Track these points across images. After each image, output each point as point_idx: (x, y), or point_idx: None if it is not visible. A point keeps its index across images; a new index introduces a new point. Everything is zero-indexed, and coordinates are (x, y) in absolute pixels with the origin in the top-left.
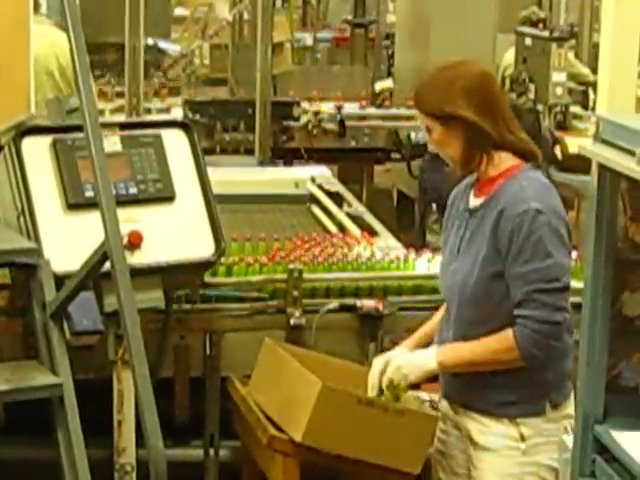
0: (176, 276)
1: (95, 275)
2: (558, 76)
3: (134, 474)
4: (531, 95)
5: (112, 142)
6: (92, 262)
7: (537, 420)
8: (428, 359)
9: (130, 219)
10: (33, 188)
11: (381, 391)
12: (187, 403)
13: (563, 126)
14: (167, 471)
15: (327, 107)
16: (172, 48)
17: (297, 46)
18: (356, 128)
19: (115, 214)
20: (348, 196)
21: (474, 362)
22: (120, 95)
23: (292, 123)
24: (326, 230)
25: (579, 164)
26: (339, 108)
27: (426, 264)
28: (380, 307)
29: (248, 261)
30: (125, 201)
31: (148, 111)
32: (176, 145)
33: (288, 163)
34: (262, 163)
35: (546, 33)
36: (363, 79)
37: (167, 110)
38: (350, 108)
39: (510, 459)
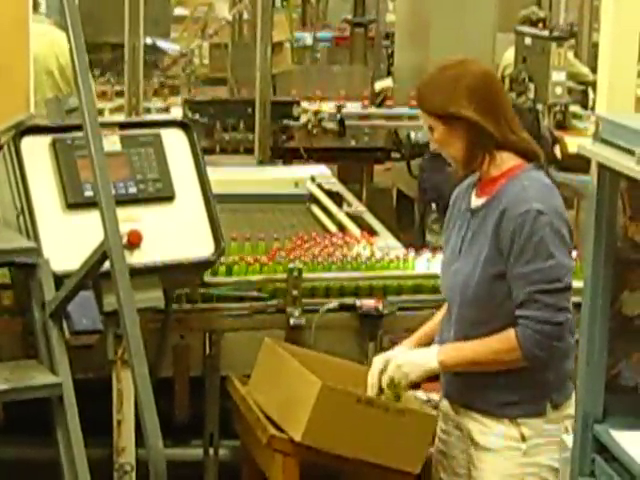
0: (175, 276)
1: (94, 275)
2: (558, 75)
3: (133, 474)
4: (531, 94)
5: (111, 142)
6: (91, 261)
7: (538, 420)
8: (429, 358)
9: (129, 219)
10: (32, 188)
11: (381, 390)
12: (187, 403)
13: (563, 125)
14: (167, 471)
15: (327, 106)
16: (172, 47)
17: (297, 46)
18: (356, 127)
19: (114, 214)
20: (348, 196)
21: (475, 362)
22: (120, 94)
23: (292, 123)
24: (326, 230)
25: (579, 163)
26: (339, 107)
27: (426, 264)
28: (380, 307)
29: (248, 261)
30: (124, 201)
31: (148, 111)
32: (176, 145)
33: (288, 163)
34: (262, 163)
35: (546, 32)
36: (363, 78)
37: (166, 110)
38: (351, 108)
39: (511, 460)
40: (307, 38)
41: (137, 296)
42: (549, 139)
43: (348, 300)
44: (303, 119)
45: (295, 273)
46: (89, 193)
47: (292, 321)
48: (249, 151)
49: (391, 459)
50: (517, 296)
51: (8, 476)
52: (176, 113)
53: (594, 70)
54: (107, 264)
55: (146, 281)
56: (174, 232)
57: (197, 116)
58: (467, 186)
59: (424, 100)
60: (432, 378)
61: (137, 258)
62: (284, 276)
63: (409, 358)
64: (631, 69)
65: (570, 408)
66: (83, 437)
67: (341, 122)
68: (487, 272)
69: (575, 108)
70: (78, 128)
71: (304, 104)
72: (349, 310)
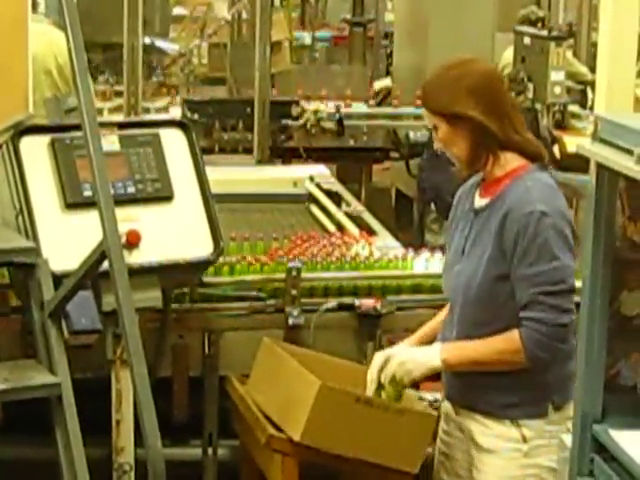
0: (174, 275)
1: (93, 274)
2: (556, 75)
3: (132, 473)
4: (529, 94)
5: (110, 141)
6: (90, 261)
7: (539, 422)
8: (432, 356)
9: (128, 218)
10: (31, 187)
11: (380, 386)
12: (186, 402)
13: (561, 125)
14: (166, 470)
15: (326, 106)
16: (171, 47)
17: (296, 45)
18: (355, 127)
19: (113, 213)
20: (347, 195)
21: (478, 361)
22: (118, 94)
23: (291, 122)
24: (325, 229)
25: (577, 163)
26: (338, 107)
27: (424, 263)
28: (378, 306)
29: (250, 260)
30: (123, 200)
31: (146, 110)
32: (174, 144)
33: (286, 162)
34: (260, 162)
35: (545, 32)
36: (362, 78)
37: (165, 109)
38: (349, 107)
39: (512, 461)
40: (306, 38)
41: (136, 296)
42: (548, 139)
43: (347, 300)
44: (302, 119)
45: (294, 273)
46: (88, 193)
47: (291, 321)
48: (248, 151)
49: (390, 459)
50: (521, 298)
51: (7, 476)
52: (175, 113)
53: (593, 70)
54: (106, 264)
55: (145, 281)
56: (173, 232)
57: (196, 116)
58: (470, 186)
59: (428, 99)
60: (432, 377)
61: (136, 258)
62: (283, 276)
63: (412, 355)
64: (630, 69)
65: (571, 409)
66: (82, 437)
67: (340, 122)
68: (490, 273)
69: (574, 108)
70: (77, 128)
71: (303, 104)
72: (348, 310)
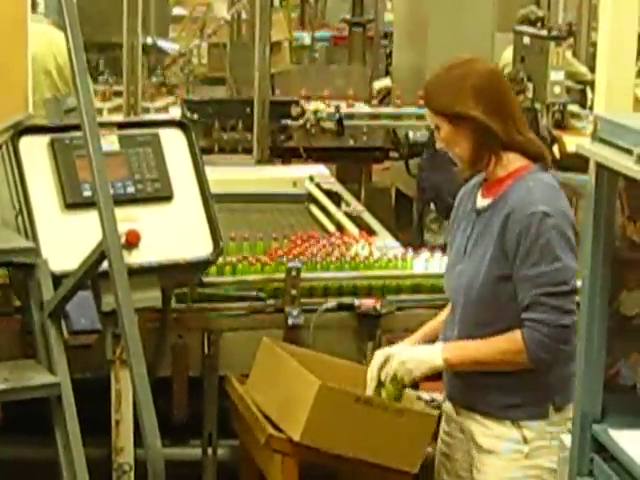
0: (174, 275)
1: (93, 274)
2: (556, 75)
3: (132, 473)
4: (529, 94)
5: (110, 141)
6: (90, 261)
7: (540, 423)
8: (434, 355)
9: (128, 218)
10: (31, 187)
11: (380, 384)
12: (185, 402)
13: (561, 125)
14: (165, 470)
15: (325, 106)
16: (170, 47)
17: (295, 45)
18: (354, 127)
19: (113, 213)
20: (346, 195)
21: (480, 361)
22: (118, 94)
23: (290, 122)
24: (324, 229)
25: (577, 163)
26: (337, 107)
27: (424, 263)
28: (378, 306)
29: (251, 260)
30: (123, 200)
31: (146, 110)
32: (174, 144)
33: (286, 162)
34: (260, 162)
35: (544, 32)
36: (361, 78)
37: (165, 109)
38: (349, 107)
39: (513, 462)
40: (305, 38)
41: (135, 296)
42: (547, 139)
43: (346, 300)
44: (301, 119)
45: (293, 273)
46: (87, 193)
47: (290, 321)
48: (247, 151)
49: (390, 459)
50: (523, 299)
51: (7, 476)
52: (174, 113)
53: (592, 69)
54: (105, 264)
55: (144, 281)
56: (172, 232)
57: (195, 116)
58: (473, 186)
59: (430, 99)
60: (431, 377)
61: (135, 258)
62: (282, 276)
63: (413, 354)
64: (629, 68)
65: (572, 410)
66: (82, 437)
67: (339, 122)
68: (492, 273)
69: (573, 107)
70: (76, 128)
71: (302, 104)
72: (347, 310)
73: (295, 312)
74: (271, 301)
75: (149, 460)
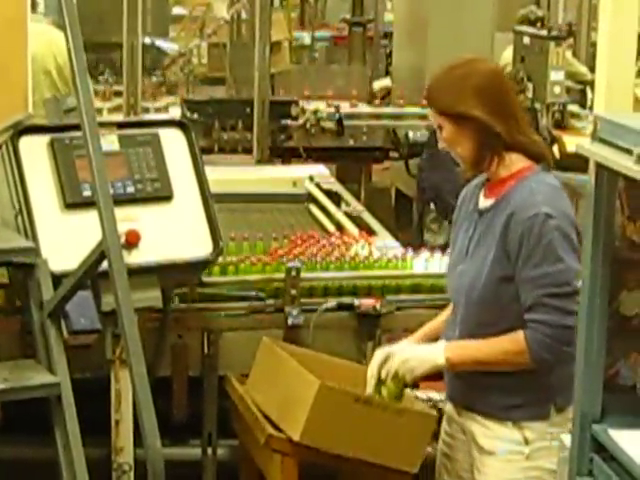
0: (174, 275)
1: (92, 274)
2: (556, 75)
3: (132, 473)
4: (529, 94)
5: (110, 141)
6: (89, 261)
7: (541, 424)
8: (436, 354)
9: (127, 218)
10: (31, 187)
11: (380, 382)
12: (185, 402)
13: (561, 125)
14: (165, 470)
15: (325, 106)
16: (170, 47)
17: (295, 45)
18: (354, 127)
19: (112, 213)
20: (346, 195)
21: (482, 361)
22: (118, 94)
23: (290, 122)
24: (324, 229)
25: (577, 163)
26: (337, 107)
27: (424, 263)
28: (378, 306)
29: (252, 260)
30: (122, 200)
31: (146, 110)
32: (174, 144)
33: (286, 162)
34: (260, 162)
35: (544, 32)
36: (361, 78)
37: (165, 109)
38: (349, 107)
39: (514, 463)
40: (305, 38)
41: (135, 296)
42: (547, 139)
43: (346, 299)
44: (301, 119)
45: (293, 273)
46: (87, 193)
47: (290, 320)
48: (247, 151)
49: (389, 458)
50: (526, 300)
51: (7, 476)
52: (174, 113)
53: (592, 69)
54: (105, 264)
55: (144, 281)
56: (172, 232)
57: (195, 116)
58: (475, 186)
59: (433, 99)
60: (430, 377)
61: (135, 258)
62: (282, 276)
63: (415, 353)
64: (629, 68)
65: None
66: (81, 437)
67: (339, 122)
68: (494, 274)
69: (573, 107)
70: (76, 128)
71: (302, 104)
72: (347, 309)
73: (295, 312)
74: (271, 301)
75: (149, 460)
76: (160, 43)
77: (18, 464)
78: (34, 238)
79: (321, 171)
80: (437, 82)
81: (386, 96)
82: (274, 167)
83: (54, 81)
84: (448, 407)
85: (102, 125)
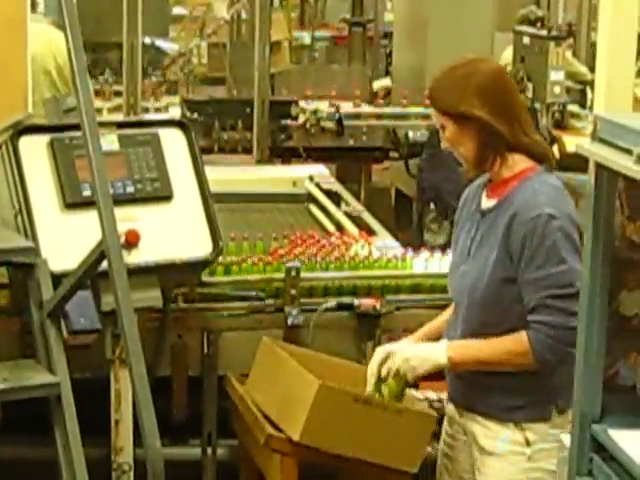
0: (173, 275)
1: (92, 274)
2: (556, 75)
3: (131, 473)
4: (529, 94)
5: (109, 141)
6: (89, 261)
7: (543, 425)
8: (438, 353)
9: (127, 218)
10: (30, 187)
11: (380, 380)
12: (185, 402)
13: (561, 125)
14: (165, 470)
15: (325, 106)
16: (170, 47)
17: (295, 45)
18: (354, 127)
19: (112, 213)
20: (346, 195)
21: (484, 361)
22: (118, 94)
23: (290, 122)
24: (324, 229)
25: (577, 163)
26: (337, 107)
27: (424, 263)
28: (378, 306)
29: (254, 260)
30: (122, 200)
31: (146, 110)
32: (174, 144)
33: (286, 162)
34: (260, 162)
35: (544, 32)
36: (361, 78)
37: (165, 109)
38: (349, 107)
39: (515, 465)
40: (305, 37)
41: (135, 295)
42: (547, 139)
43: (346, 299)
44: (301, 118)
45: (293, 272)
46: (87, 193)
47: (290, 320)
48: (247, 150)
49: (389, 458)
50: (529, 301)
51: (6, 476)
52: (174, 112)
53: (592, 69)
54: (105, 263)
55: (144, 280)
56: (172, 232)
57: (195, 115)
58: (477, 187)
59: (435, 99)
60: (429, 377)
61: (135, 258)
62: (282, 276)
63: (417, 351)
64: (629, 68)
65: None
66: (81, 437)
67: (339, 121)
68: (496, 275)
69: (573, 107)
70: (76, 128)
71: (302, 103)
72: (347, 309)
73: (295, 312)
74: (271, 301)
75: (148, 460)
76: (160, 43)
77: (18, 464)
78: (34, 238)
79: (321, 171)
80: (440, 82)
81: (386, 96)
82: (274, 167)
83: (54, 81)
84: (449, 408)
85: (102, 125)
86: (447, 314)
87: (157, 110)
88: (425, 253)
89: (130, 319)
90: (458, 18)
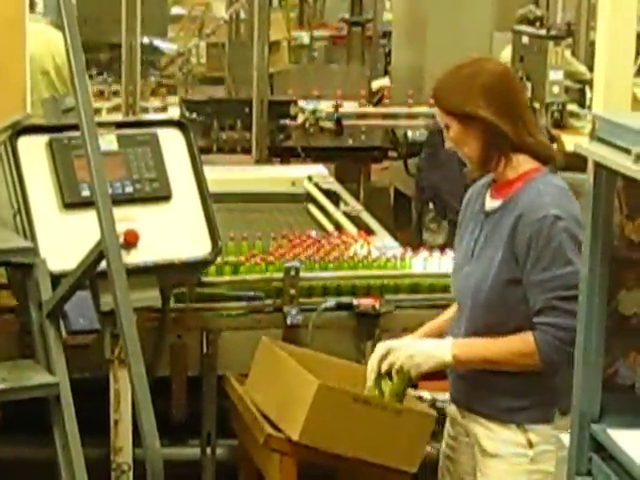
0: (172, 275)
1: (91, 274)
2: (555, 74)
3: (131, 473)
4: (528, 93)
5: (108, 141)
6: (88, 261)
7: (546, 427)
8: (444, 351)
9: (126, 218)
10: (29, 187)
11: (380, 376)
12: (184, 402)
13: (560, 124)
14: (164, 470)
15: (324, 106)
16: (169, 47)
17: (294, 44)
18: (353, 127)
19: (111, 213)
20: (345, 195)
21: (490, 360)
22: (117, 94)
23: (289, 122)
24: (323, 229)
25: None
26: (336, 107)
27: (423, 262)
28: (377, 305)
29: (256, 260)
30: (121, 200)
31: (145, 110)
32: (173, 144)
33: (285, 162)
34: (259, 162)
35: (543, 31)
36: (360, 77)
37: (164, 109)
38: (348, 107)
39: (517, 466)
40: (304, 37)
41: (134, 295)
42: (546, 138)
43: (345, 299)
44: (300, 118)
45: (292, 272)
46: (86, 193)
47: (289, 320)
48: (246, 150)
49: (388, 458)
50: (535, 303)
51: (5, 476)
52: (173, 112)
53: (591, 69)
54: (104, 264)
55: (143, 281)
56: (171, 232)
57: (194, 115)
58: (481, 187)
59: (440, 98)
60: (428, 377)
61: (134, 258)
62: (281, 275)
63: (422, 348)
64: (628, 68)
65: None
66: (80, 437)
67: (338, 121)
68: (501, 276)
69: (572, 107)
70: (75, 128)
71: (301, 103)
72: (346, 309)
73: (294, 311)
74: (270, 301)
75: (148, 460)
76: (159, 43)
77: (17, 464)
78: (33, 238)
79: (320, 171)
80: (445, 81)
81: (385, 95)
82: (273, 167)
83: (52, 81)
84: (451, 409)
85: (101, 125)
86: (448, 314)
87: (156, 110)
88: (424, 253)
89: (129, 319)
90: (457, 18)
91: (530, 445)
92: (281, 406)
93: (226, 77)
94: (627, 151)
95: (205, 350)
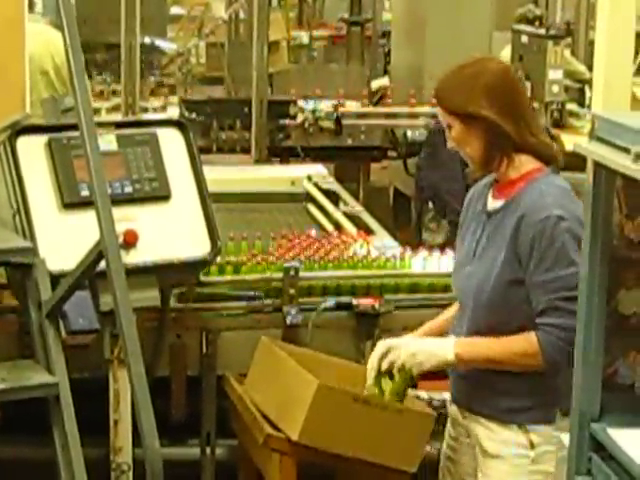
0: (172, 275)
1: (91, 274)
2: (554, 74)
3: (130, 473)
4: (527, 93)
5: (107, 141)
6: (87, 261)
7: (547, 428)
8: (446, 349)
9: (125, 218)
10: (28, 187)
11: (380, 374)
12: (183, 402)
13: (559, 124)
14: (163, 470)
15: (323, 105)
16: (168, 47)
17: (293, 44)
18: (352, 126)
19: (110, 213)
20: (344, 194)
21: (492, 360)
22: (116, 94)
23: (288, 121)
24: (322, 228)
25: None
26: (335, 106)
27: (422, 262)
28: (376, 305)
29: (257, 260)
30: (120, 200)
31: (144, 110)
32: (172, 144)
33: (284, 161)
34: (258, 162)
35: (542, 31)
36: (359, 77)
37: (163, 109)
38: (347, 106)
39: (519, 467)
40: (303, 37)
41: (133, 295)
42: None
43: (345, 299)
44: (300, 118)
45: (292, 272)
46: (85, 192)
47: (289, 320)
48: (246, 150)
49: (388, 458)
50: (537, 304)
51: (5, 476)
52: (173, 112)
53: (591, 68)
54: (103, 263)
55: (142, 280)
56: (170, 231)
57: (194, 115)
58: (483, 187)
59: (442, 98)
60: (428, 377)
61: (133, 257)
62: (280, 275)
63: (424, 346)
64: (627, 67)
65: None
66: (80, 437)
67: (338, 121)
68: (503, 277)
69: (572, 106)
70: (74, 128)
71: (301, 103)
72: (346, 309)
73: (293, 311)
74: (269, 300)
75: (147, 460)
76: (158, 43)
77: (17, 464)
78: (32, 238)
79: (319, 170)
80: (447, 81)
81: (384, 95)
82: (272, 166)
83: (52, 81)
84: (452, 409)
85: (100, 125)
86: (448, 313)
87: (155, 110)
88: (423, 252)
89: (129, 319)
90: (456, 17)
91: (531, 446)
92: (281, 406)
93: (225, 77)
94: (626, 150)
95: (205, 350)
